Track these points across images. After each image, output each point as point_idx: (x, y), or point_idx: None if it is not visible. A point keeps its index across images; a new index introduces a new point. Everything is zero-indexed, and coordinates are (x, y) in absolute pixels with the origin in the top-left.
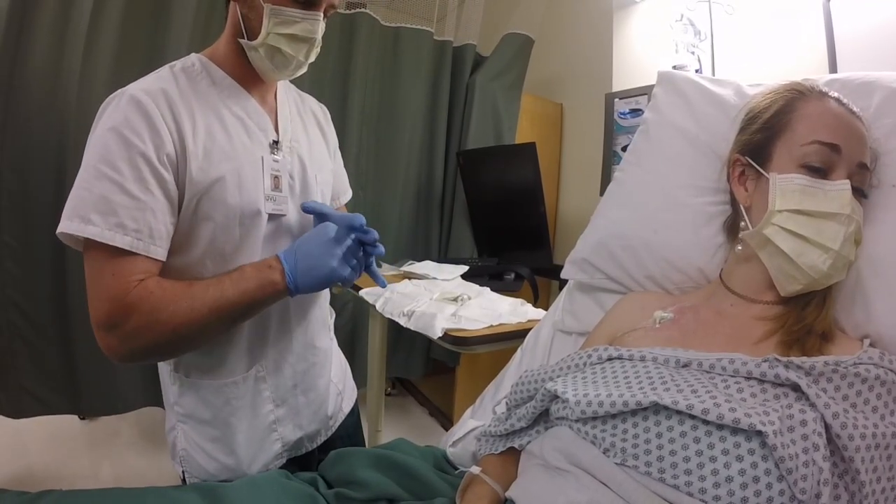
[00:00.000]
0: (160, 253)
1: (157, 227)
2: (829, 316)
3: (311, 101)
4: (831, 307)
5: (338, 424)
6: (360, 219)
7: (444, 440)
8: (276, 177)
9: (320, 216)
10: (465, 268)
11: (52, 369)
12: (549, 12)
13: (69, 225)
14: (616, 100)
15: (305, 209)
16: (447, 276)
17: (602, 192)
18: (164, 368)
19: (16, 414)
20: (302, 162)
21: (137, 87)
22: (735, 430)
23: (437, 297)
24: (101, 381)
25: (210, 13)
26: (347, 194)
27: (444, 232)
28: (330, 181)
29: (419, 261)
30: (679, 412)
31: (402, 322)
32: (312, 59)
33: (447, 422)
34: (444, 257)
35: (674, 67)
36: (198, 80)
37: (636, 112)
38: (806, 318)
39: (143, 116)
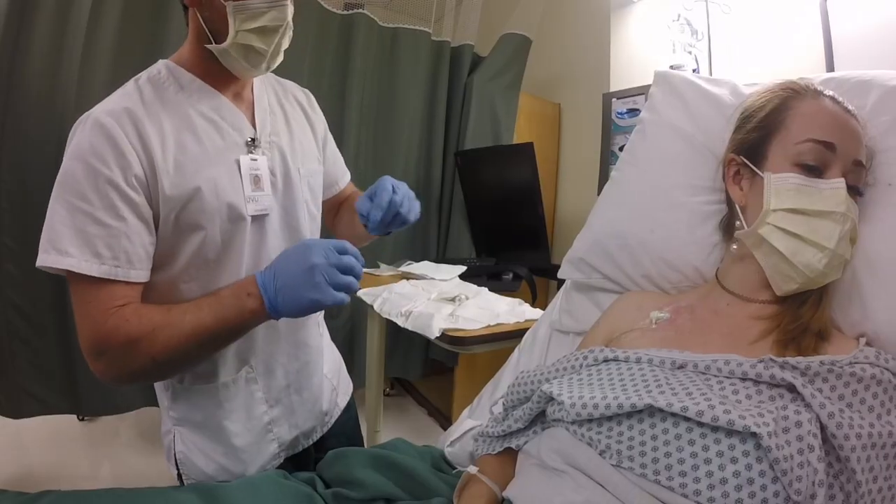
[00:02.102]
0: (140, 276)
1: (133, 251)
2: (825, 315)
3: (293, 88)
4: (827, 306)
5: (334, 420)
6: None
7: (442, 440)
8: (255, 176)
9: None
10: (463, 268)
11: (52, 369)
12: (547, 12)
13: (46, 258)
14: (613, 99)
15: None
16: (445, 277)
17: (599, 192)
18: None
19: (15, 414)
20: (283, 156)
21: (101, 110)
22: (730, 432)
23: (435, 298)
24: (100, 382)
25: None
26: (346, 177)
27: (442, 232)
28: (317, 171)
29: (417, 261)
30: (674, 414)
31: (400, 322)
32: (286, 44)
33: (445, 422)
34: (441, 257)
35: (671, 67)
36: (164, 87)
37: (633, 112)
38: (802, 317)
39: (107, 140)
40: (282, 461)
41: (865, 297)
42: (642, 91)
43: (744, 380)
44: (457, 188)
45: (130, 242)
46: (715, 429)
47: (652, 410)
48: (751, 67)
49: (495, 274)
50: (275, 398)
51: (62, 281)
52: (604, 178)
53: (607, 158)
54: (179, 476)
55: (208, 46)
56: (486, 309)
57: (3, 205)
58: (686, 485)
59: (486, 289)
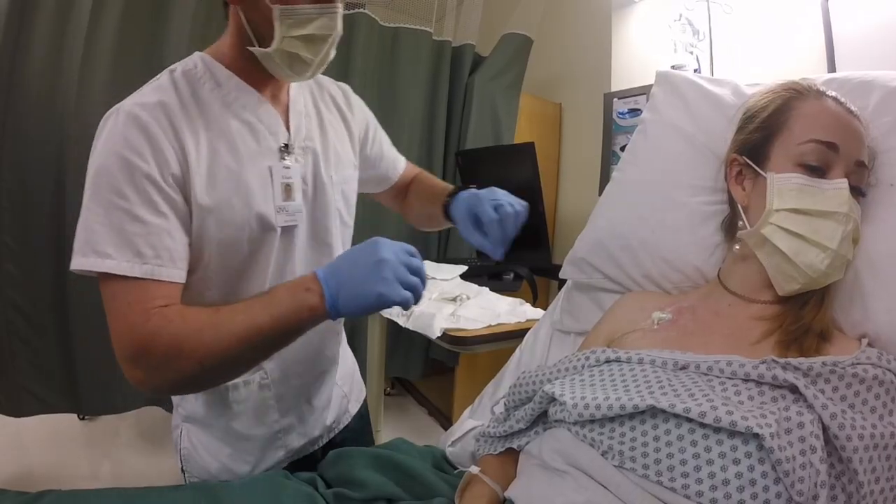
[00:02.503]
0: (180, 275)
1: (175, 248)
2: (826, 315)
3: (329, 85)
4: (829, 306)
5: (342, 426)
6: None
7: (443, 440)
8: (287, 185)
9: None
10: (464, 268)
11: (52, 369)
12: (548, 12)
13: (85, 261)
14: (615, 99)
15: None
16: (446, 276)
17: (601, 192)
18: None
19: (15, 413)
20: (316, 163)
21: (135, 102)
22: (732, 433)
23: (436, 297)
24: (101, 381)
25: (209, 13)
26: (399, 166)
27: (443, 232)
28: (352, 177)
29: None
30: (676, 415)
31: (401, 322)
32: (333, 55)
33: (446, 421)
34: (442, 257)
35: (672, 67)
36: (200, 84)
37: (635, 112)
38: (804, 318)
39: (143, 135)
40: (286, 465)
41: (867, 297)
42: (643, 91)
43: (746, 381)
44: None
45: (172, 239)
46: (717, 430)
47: (654, 411)
48: (752, 67)
49: (496, 274)
50: (287, 407)
51: (62, 280)
52: (605, 178)
53: (608, 158)
54: (183, 470)
55: (251, 49)
56: (487, 309)
57: (4, 204)
58: (688, 486)
59: (487, 289)
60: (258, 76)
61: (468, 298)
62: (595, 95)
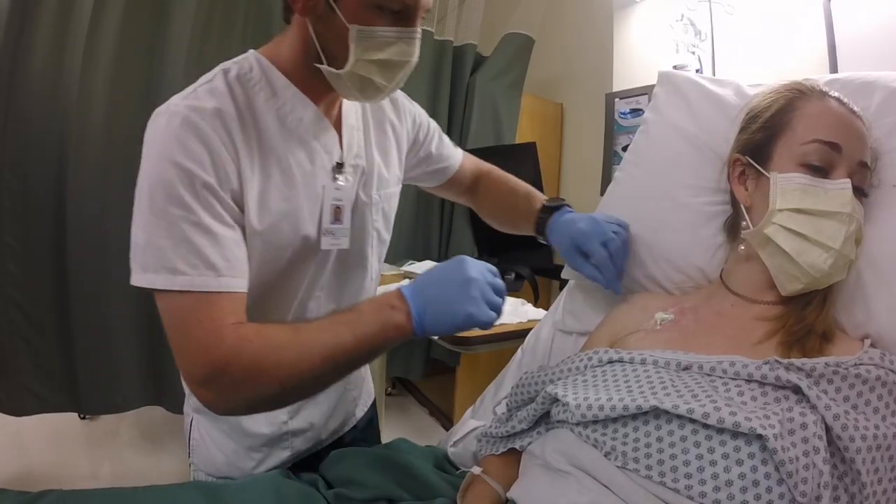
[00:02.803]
0: (245, 285)
1: (242, 258)
2: (829, 316)
3: None
4: (832, 307)
5: (348, 428)
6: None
7: (445, 440)
8: (337, 207)
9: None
10: None
11: (53, 368)
12: (550, 12)
13: (155, 278)
14: (616, 100)
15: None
16: None
17: (602, 192)
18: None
19: (16, 412)
20: (361, 181)
21: (189, 106)
22: (735, 434)
23: None
24: (101, 380)
25: (210, 13)
26: (454, 164)
27: (444, 232)
28: (394, 194)
29: (419, 261)
30: (679, 416)
31: None
32: (404, 80)
33: (447, 422)
34: (444, 257)
35: (674, 67)
36: (255, 92)
37: (636, 112)
38: (806, 318)
39: (202, 144)
40: (290, 464)
41: (869, 298)
42: (645, 91)
43: (749, 381)
44: None
45: (239, 248)
46: (721, 430)
47: (658, 412)
48: (754, 68)
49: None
50: (296, 409)
51: (63, 280)
52: (606, 178)
53: (610, 158)
54: (190, 463)
55: (319, 67)
56: None
57: (5, 204)
58: (692, 486)
59: None
60: (318, 88)
61: None
62: (597, 95)
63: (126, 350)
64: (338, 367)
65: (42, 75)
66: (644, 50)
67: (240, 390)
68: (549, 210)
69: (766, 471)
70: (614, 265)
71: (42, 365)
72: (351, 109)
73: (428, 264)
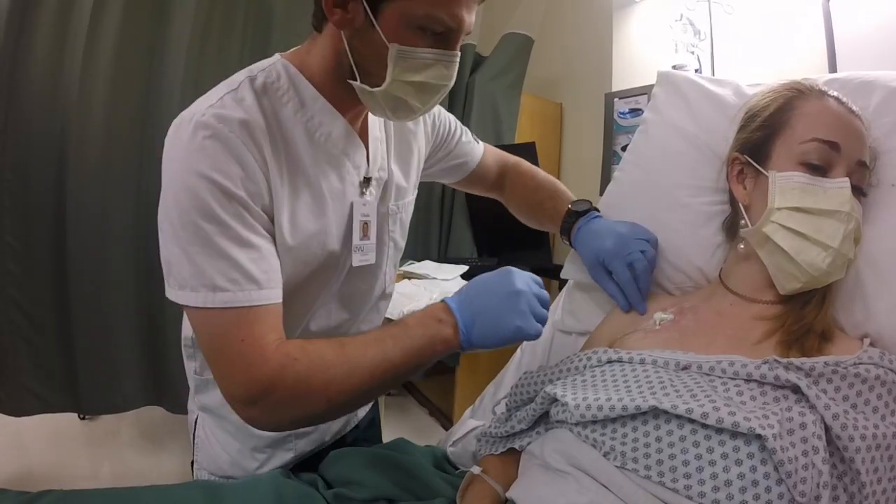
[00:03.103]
0: (281, 295)
1: (277, 267)
2: (828, 315)
3: None
4: (830, 306)
5: (350, 428)
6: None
7: (445, 440)
8: (364, 223)
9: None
10: (465, 267)
11: (53, 368)
12: (549, 12)
13: (195, 297)
14: (616, 99)
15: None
16: (447, 276)
17: (602, 192)
18: (189, 365)
19: (16, 412)
20: (385, 194)
21: (216, 115)
22: (734, 434)
23: (437, 297)
24: (101, 380)
25: (210, 13)
26: (474, 158)
27: (444, 232)
28: (410, 203)
29: (419, 260)
30: (678, 416)
31: None
32: (437, 104)
33: (447, 422)
34: (443, 257)
35: (673, 67)
36: (283, 103)
37: (636, 112)
38: (805, 318)
39: (231, 155)
40: (292, 465)
41: (868, 298)
42: (644, 91)
43: (748, 381)
44: None
45: (275, 259)
46: (720, 430)
47: (656, 412)
48: (753, 68)
49: None
50: None
51: (63, 280)
52: (606, 177)
53: (609, 158)
54: (193, 461)
55: (353, 84)
56: None
57: (6, 204)
58: (691, 486)
59: None
60: (346, 100)
61: None
62: (596, 95)
63: (126, 350)
64: (385, 382)
65: (42, 75)
66: (643, 50)
67: (287, 409)
68: (576, 214)
69: (766, 471)
70: (639, 286)
71: (42, 365)
72: (376, 121)
73: (428, 264)
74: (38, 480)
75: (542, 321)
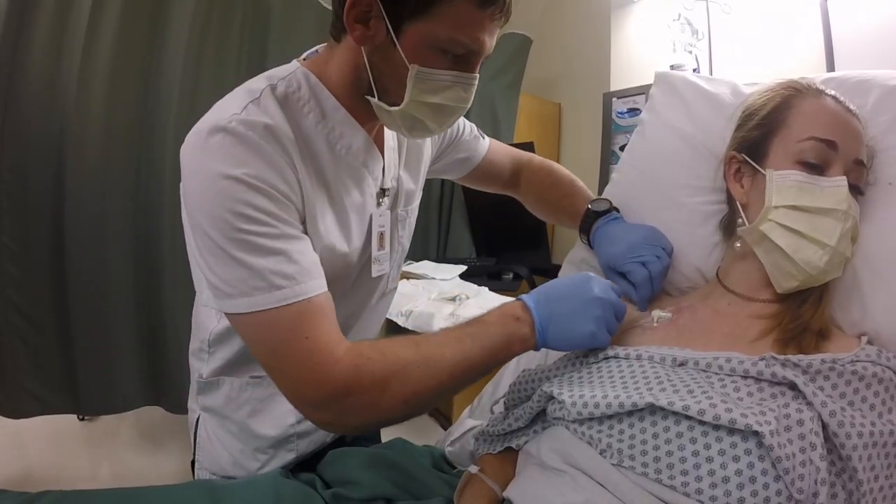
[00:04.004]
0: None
1: (318, 261)
2: (825, 313)
3: None
4: (827, 304)
5: None
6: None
7: (443, 439)
8: (381, 234)
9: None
10: (464, 267)
11: (52, 369)
12: (547, 12)
13: (251, 302)
14: (614, 99)
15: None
16: (445, 276)
17: (600, 192)
18: (198, 366)
19: (15, 414)
20: (395, 201)
21: (243, 122)
22: (731, 431)
23: (435, 297)
24: (101, 381)
25: (208, 13)
26: (478, 154)
27: (443, 232)
28: (415, 208)
29: (417, 260)
30: (675, 413)
31: (401, 322)
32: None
33: (445, 421)
34: (442, 257)
35: (671, 67)
36: (304, 114)
37: (634, 111)
38: (802, 316)
39: (263, 160)
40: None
41: (865, 296)
42: (642, 90)
43: (745, 377)
44: (457, 187)
45: (314, 252)
46: (716, 427)
47: (653, 409)
48: (751, 67)
49: (495, 274)
50: None
51: (62, 280)
52: (604, 177)
53: (608, 158)
54: (193, 461)
55: (371, 100)
56: (486, 308)
57: (4, 205)
58: (688, 483)
59: (486, 288)
60: (365, 113)
61: (467, 298)
62: (594, 95)
63: (125, 350)
64: (463, 380)
65: (40, 76)
66: (641, 49)
67: (361, 410)
68: (595, 214)
69: (763, 467)
70: (652, 287)
71: (41, 366)
72: (390, 131)
73: (426, 264)
74: (38, 481)
75: (613, 332)
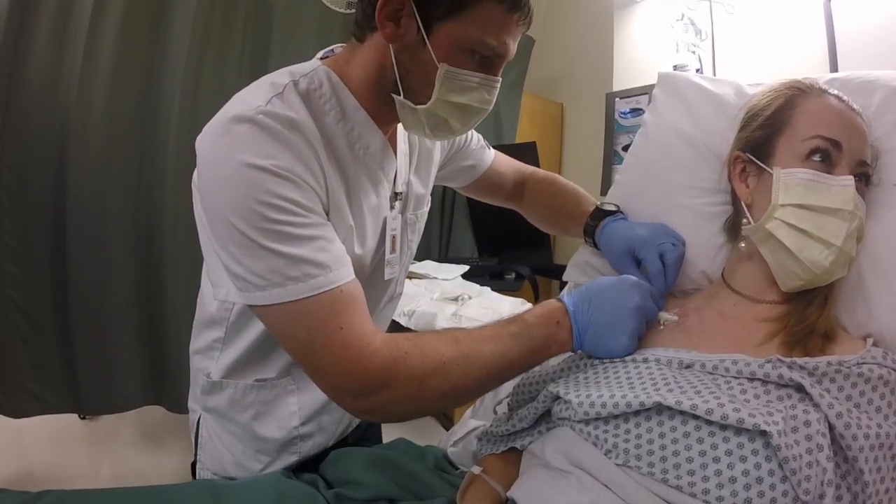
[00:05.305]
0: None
1: (344, 249)
2: (830, 315)
3: None
4: (833, 306)
5: (351, 428)
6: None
7: (445, 440)
8: (393, 237)
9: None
10: (466, 267)
11: (52, 368)
12: (550, 12)
13: (284, 292)
14: (617, 99)
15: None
16: (447, 276)
17: (603, 192)
18: (204, 364)
19: (16, 413)
20: (406, 205)
21: (268, 113)
22: (739, 431)
23: (438, 297)
24: (101, 380)
25: (210, 13)
26: (483, 164)
27: (445, 231)
28: (424, 213)
29: (419, 260)
30: (682, 412)
31: (403, 321)
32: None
33: (448, 422)
34: (444, 257)
35: (674, 67)
36: (325, 112)
37: (637, 111)
38: (808, 318)
39: (289, 151)
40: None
41: (871, 298)
42: (645, 91)
43: (752, 380)
44: None
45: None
46: (724, 427)
47: (660, 408)
48: (754, 67)
49: (498, 274)
50: (308, 414)
51: (62, 280)
52: (607, 177)
53: (610, 158)
54: (195, 462)
55: (395, 98)
56: (488, 308)
57: (4, 204)
58: (694, 483)
59: (488, 288)
60: (384, 114)
61: (469, 298)
62: (597, 95)
63: (126, 350)
64: (500, 379)
65: (41, 75)
66: (644, 49)
67: (400, 402)
68: (603, 213)
69: (770, 468)
70: (666, 279)
71: (42, 365)
72: (402, 134)
73: (429, 264)
74: (39, 480)
75: (639, 338)
